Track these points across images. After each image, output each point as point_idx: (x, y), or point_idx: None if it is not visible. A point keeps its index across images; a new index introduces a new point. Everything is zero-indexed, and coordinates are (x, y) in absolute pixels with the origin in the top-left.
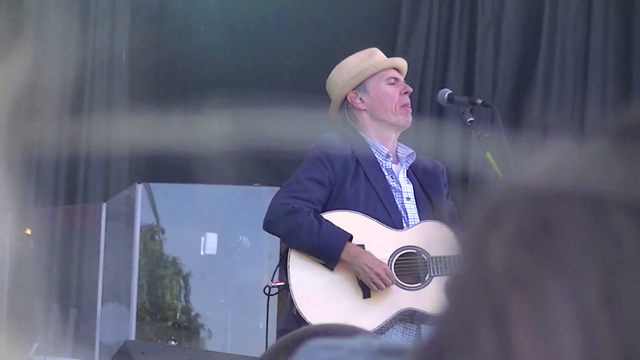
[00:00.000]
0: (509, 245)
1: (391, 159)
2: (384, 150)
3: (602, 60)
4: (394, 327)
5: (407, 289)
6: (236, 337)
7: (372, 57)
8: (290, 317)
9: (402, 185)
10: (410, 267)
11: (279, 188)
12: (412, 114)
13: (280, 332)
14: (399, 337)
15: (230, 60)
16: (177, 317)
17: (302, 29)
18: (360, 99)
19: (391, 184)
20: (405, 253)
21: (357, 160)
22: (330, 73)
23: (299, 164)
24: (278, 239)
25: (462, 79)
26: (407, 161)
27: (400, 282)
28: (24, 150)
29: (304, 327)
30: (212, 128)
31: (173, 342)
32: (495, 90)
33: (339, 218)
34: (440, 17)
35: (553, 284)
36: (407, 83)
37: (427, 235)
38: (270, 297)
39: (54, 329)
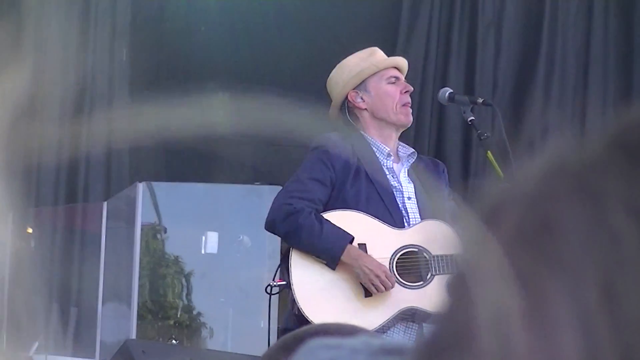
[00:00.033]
0: (508, 243)
1: (392, 158)
2: (385, 150)
3: (603, 60)
4: (396, 326)
5: (409, 288)
6: (237, 336)
7: (372, 57)
8: (291, 317)
9: (403, 185)
10: (411, 265)
11: (279, 187)
12: (412, 113)
13: (281, 332)
14: (400, 336)
15: (230, 60)
16: (178, 316)
17: (302, 29)
18: (361, 98)
19: (392, 183)
20: (407, 252)
21: (358, 160)
22: (330, 73)
23: (300, 163)
24: (279, 238)
25: (463, 79)
26: (408, 160)
27: (402, 280)
28: (25, 150)
29: (305, 327)
30: (213, 127)
31: (174, 341)
32: (496, 89)
33: (340, 217)
34: (441, 17)
35: (553, 284)
36: (407, 82)
37: (428, 234)
38: (272, 296)
39: (54, 328)
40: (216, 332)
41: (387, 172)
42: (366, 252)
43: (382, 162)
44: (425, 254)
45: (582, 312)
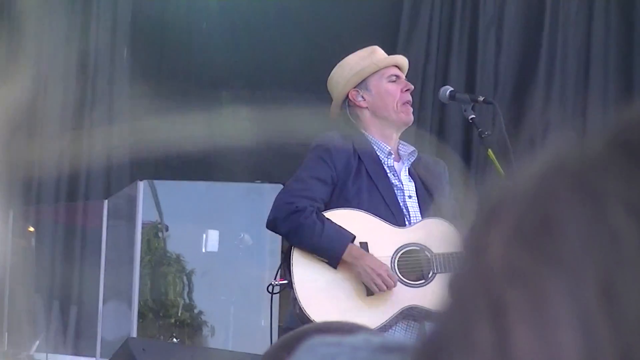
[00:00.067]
0: (508, 243)
1: (393, 156)
2: (385, 148)
3: (604, 58)
4: (397, 324)
5: (411, 286)
6: (238, 334)
7: (373, 55)
8: (293, 316)
9: (404, 183)
10: (413, 264)
11: (280, 185)
12: (413, 111)
13: (283, 331)
14: (402, 335)
15: (231, 58)
16: (179, 314)
17: (303, 27)
18: (362, 97)
19: (393, 181)
20: (409, 250)
21: (359, 158)
22: (331, 71)
23: (301, 161)
24: (279, 237)
25: (464, 77)
26: (408, 159)
27: (403, 279)
28: (27, 148)
29: (306, 325)
30: (214, 125)
31: (175, 339)
32: (497, 88)
33: (341, 216)
34: (442, 15)
35: (552, 282)
36: (408, 81)
37: (430, 232)
38: (273, 295)
39: (55, 326)
40: (217, 330)
41: (388, 171)
42: (368, 250)
43: (382, 161)
44: (426, 253)
45: (581, 311)
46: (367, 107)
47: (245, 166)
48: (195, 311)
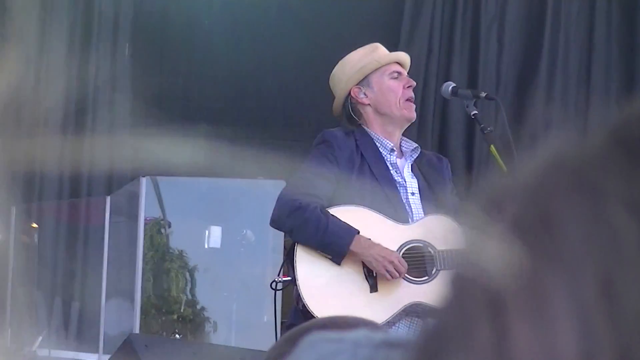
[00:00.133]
0: (507, 237)
1: (395, 153)
2: (388, 145)
3: (605, 56)
4: (401, 321)
5: (414, 283)
6: (240, 331)
7: (374, 52)
8: (297, 312)
9: (406, 180)
10: (417, 261)
11: (283, 182)
12: (415, 108)
13: (286, 327)
14: (405, 332)
15: (233, 54)
16: (182, 310)
17: (305, 24)
18: (364, 94)
19: (396, 178)
20: (412, 247)
21: (362, 155)
22: (333, 69)
23: (304, 157)
24: (282, 233)
25: (466, 74)
26: (411, 155)
27: (407, 276)
28: (28, 144)
29: (312, 320)
30: (215, 122)
31: (177, 336)
32: (499, 84)
33: (345, 213)
34: (444, 12)
35: (551, 278)
36: (410, 77)
37: (433, 229)
38: (276, 292)
39: (58, 322)
40: (219, 326)
41: (391, 168)
42: None
43: (385, 158)
44: (430, 249)
45: (581, 309)
46: (369, 104)
47: (248, 162)
48: (198, 307)
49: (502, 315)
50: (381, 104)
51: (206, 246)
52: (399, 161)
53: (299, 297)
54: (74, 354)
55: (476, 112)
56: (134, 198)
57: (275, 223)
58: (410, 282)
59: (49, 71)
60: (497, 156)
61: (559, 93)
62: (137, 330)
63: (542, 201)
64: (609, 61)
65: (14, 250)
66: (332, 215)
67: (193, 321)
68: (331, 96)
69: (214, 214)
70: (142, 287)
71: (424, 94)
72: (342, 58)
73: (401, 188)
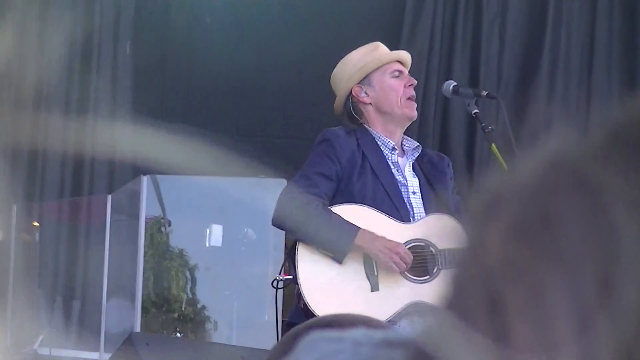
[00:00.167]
0: (506, 236)
1: (397, 151)
2: (389, 143)
3: (607, 54)
4: (402, 320)
5: (415, 282)
6: (241, 329)
7: (375, 51)
8: (297, 311)
9: (407, 179)
10: (418, 260)
11: (284, 180)
12: (417, 106)
13: (287, 326)
14: (406, 331)
15: (235, 52)
16: (183, 309)
17: (306, 22)
18: (365, 93)
19: (397, 177)
20: (413, 246)
21: (363, 154)
22: (334, 67)
23: (305, 156)
24: (283, 232)
25: (467, 71)
26: (412, 154)
27: (408, 275)
28: (30, 143)
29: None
30: (217, 119)
31: (178, 334)
32: (500, 82)
33: (347, 211)
34: (445, 10)
35: (550, 275)
36: (412, 75)
37: (434, 228)
38: (278, 290)
39: (59, 321)
40: (220, 325)
41: (392, 166)
42: None
43: (386, 156)
44: (431, 248)
45: (579, 303)
46: (370, 103)
47: (249, 161)
48: (199, 306)
49: (503, 314)
50: (382, 102)
51: (207, 245)
52: (400, 160)
53: (300, 296)
54: (75, 352)
55: (477, 110)
56: (135, 196)
57: (277, 222)
58: (412, 281)
59: (49, 70)
60: (498, 155)
61: (560, 92)
62: (138, 329)
63: (542, 200)
64: (610, 60)
65: (15, 248)
66: (335, 213)
67: (194, 320)
68: (332, 95)
69: (215, 213)
70: (142, 286)
71: (425, 92)
72: (343, 57)
73: (402, 187)
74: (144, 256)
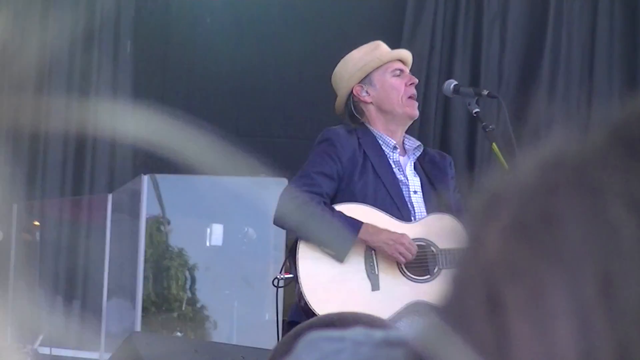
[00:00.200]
0: (506, 237)
1: (398, 150)
2: (391, 142)
3: (608, 52)
4: (402, 319)
5: (416, 282)
6: (242, 329)
7: (376, 50)
8: (298, 310)
9: (409, 178)
10: (419, 259)
11: (285, 179)
12: (417, 106)
13: (288, 325)
14: (406, 330)
15: (235, 51)
16: (183, 308)
17: (307, 22)
18: (366, 92)
19: (398, 176)
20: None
21: (365, 153)
22: (335, 66)
23: (305, 155)
24: (284, 231)
25: (468, 71)
26: (414, 153)
27: (409, 274)
28: (30, 142)
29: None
30: (218, 119)
31: (178, 333)
32: (501, 81)
33: (348, 210)
34: (446, 9)
35: (550, 274)
36: (413, 75)
37: (436, 228)
38: (278, 289)
39: (59, 320)
40: (221, 324)
41: (394, 165)
42: None
43: (388, 155)
44: (432, 248)
45: (579, 305)
46: (371, 102)
47: (250, 160)
48: (199, 305)
49: (502, 314)
50: (383, 101)
51: (208, 244)
52: (401, 159)
53: (301, 295)
54: (75, 351)
55: (478, 110)
56: (136, 196)
57: (279, 221)
58: (412, 281)
59: (50, 69)
60: (499, 154)
61: (561, 91)
62: (138, 328)
63: (542, 199)
64: (611, 59)
65: (16, 248)
66: (337, 210)
67: (194, 319)
68: (333, 95)
69: (216, 212)
70: (143, 285)
71: (426, 91)
72: (343, 57)
73: (403, 186)
74: (143, 255)
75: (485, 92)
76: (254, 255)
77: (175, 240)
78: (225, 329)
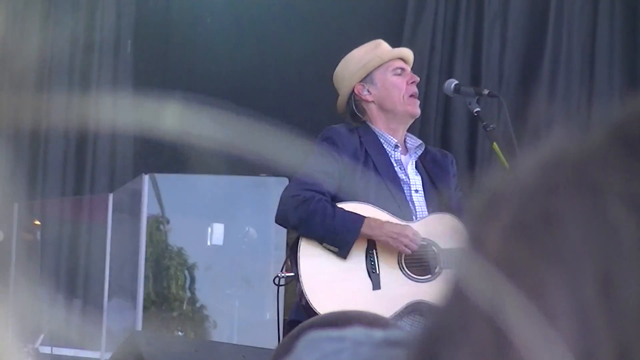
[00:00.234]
0: (506, 235)
1: (400, 149)
2: (392, 141)
3: (609, 52)
4: (403, 319)
5: (417, 281)
6: (242, 328)
7: (377, 49)
8: (299, 308)
9: (410, 177)
10: (420, 259)
11: (285, 179)
12: (419, 104)
13: (288, 323)
14: (407, 330)
15: (236, 51)
16: (184, 307)
17: (308, 22)
18: (368, 91)
19: (400, 176)
20: None
21: (366, 152)
22: (337, 65)
23: (306, 155)
24: (285, 230)
25: (469, 70)
26: (415, 152)
27: (410, 274)
28: (31, 142)
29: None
30: (219, 119)
31: (179, 333)
32: (502, 81)
33: (349, 209)
34: (447, 9)
35: (550, 274)
36: (413, 73)
37: (437, 228)
38: (279, 287)
39: (60, 320)
40: (222, 323)
41: (395, 164)
42: (375, 244)
43: (389, 154)
44: (433, 248)
45: (579, 302)
46: (373, 101)
47: (250, 159)
48: (200, 305)
49: (501, 312)
50: (385, 100)
51: (209, 243)
52: (403, 158)
53: (302, 294)
54: (76, 351)
55: (479, 109)
56: (137, 195)
57: (281, 219)
58: (413, 281)
59: (51, 69)
60: (500, 153)
61: (562, 90)
62: (139, 328)
63: (541, 197)
64: (612, 59)
65: (17, 247)
66: (338, 206)
67: (195, 318)
68: (334, 94)
69: (217, 212)
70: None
71: (427, 91)
72: (344, 56)
73: (405, 185)
74: (144, 255)
75: (485, 92)
76: (254, 255)
77: (176, 239)
78: (226, 328)
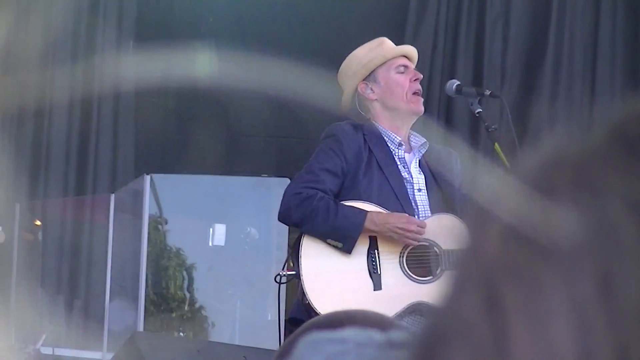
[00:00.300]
0: (505, 236)
1: (403, 147)
2: (396, 139)
3: (611, 51)
4: (404, 319)
5: (419, 282)
6: (244, 329)
7: (380, 47)
8: (300, 307)
9: (413, 176)
10: (422, 260)
11: (287, 179)
12: (422, 101)
13: (289, 322)
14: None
15: (238, 51)
16: (185, 308)
17: (310, 21)
18: (371, 89)
19: (403, 174)
20: (418, 246)
21: (370, 150)
22: (339, 64)
23: (308, 155)
24: (287, 230)
25: (471, 70)
26: (419, 150)
27: (411, 275)
28: (33, 142)
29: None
30: (219, 120)
31: (181, 334)
32: (504, 80)
33: None
34: (449, 8)
35: (549, 275)
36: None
37: (439, 228)
38: (281, 286)
39: (61, 320)
40: (223, 324)
41: (399, 162)
42: (377, 244)
43: (393, 152)
44: (435, 249)
45: (578, 305)
46: (376, 99)
47: (252, 159)
48: (202, 305)
49: (502, 314)
50: (388, 98)
51: (210, 244)
52: (407, 156)
53: (303, 293)
54: (77, 351)
55: (480, 110)
56: (138, 196)
57: (283, 216)
58: (415, 281)
59: (52, 69)
60: (501, 154)
61: (564, 90)
62: (141, 328)
63: (541, 199)
64: (614, 58)
65: (18, 247)
66: (341, 202)
67: (196, 319)
68: (334, 94)
69: (218, 212)
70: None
71: (429, 90)
72: (346, 57)
73: (408, 184)
74: (146, 255)
75: (487, 92)
76: (256, 255)
77: (176, 240)
78: (228, 329)
